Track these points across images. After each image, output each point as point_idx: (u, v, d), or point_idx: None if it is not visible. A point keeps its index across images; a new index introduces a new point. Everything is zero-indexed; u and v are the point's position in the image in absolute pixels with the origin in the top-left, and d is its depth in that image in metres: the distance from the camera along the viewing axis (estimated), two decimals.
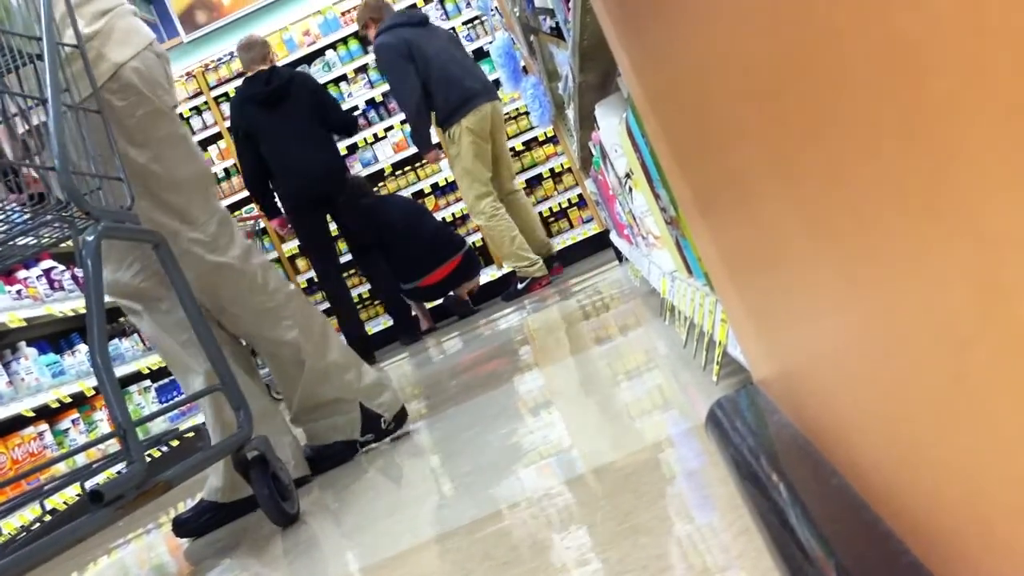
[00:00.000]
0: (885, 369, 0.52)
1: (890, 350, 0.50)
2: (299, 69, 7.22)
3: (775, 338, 0.84)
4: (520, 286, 6.46)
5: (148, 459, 1.79)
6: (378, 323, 7.70)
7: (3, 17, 1.95)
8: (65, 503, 4.04)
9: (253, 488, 2.14)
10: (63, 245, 2.07)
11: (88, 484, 1.76)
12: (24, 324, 4.50)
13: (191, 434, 4.98)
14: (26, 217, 1.93)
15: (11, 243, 1.98)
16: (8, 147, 2.03)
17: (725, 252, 0.91)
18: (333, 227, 6.64)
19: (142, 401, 5.48)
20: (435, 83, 6.09)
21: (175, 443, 4.78)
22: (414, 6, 7.57)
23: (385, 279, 6.60)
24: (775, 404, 0.92)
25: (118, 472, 1.84)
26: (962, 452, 0.44)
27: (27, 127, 2.03)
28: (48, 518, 2.39)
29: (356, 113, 7.74)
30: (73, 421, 4.76)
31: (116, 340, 5.53)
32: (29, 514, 3.81)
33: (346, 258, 7.33)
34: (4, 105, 1.98)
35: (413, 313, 6.88)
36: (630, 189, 2.17)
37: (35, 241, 2.04)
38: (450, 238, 6.71)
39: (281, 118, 5.99)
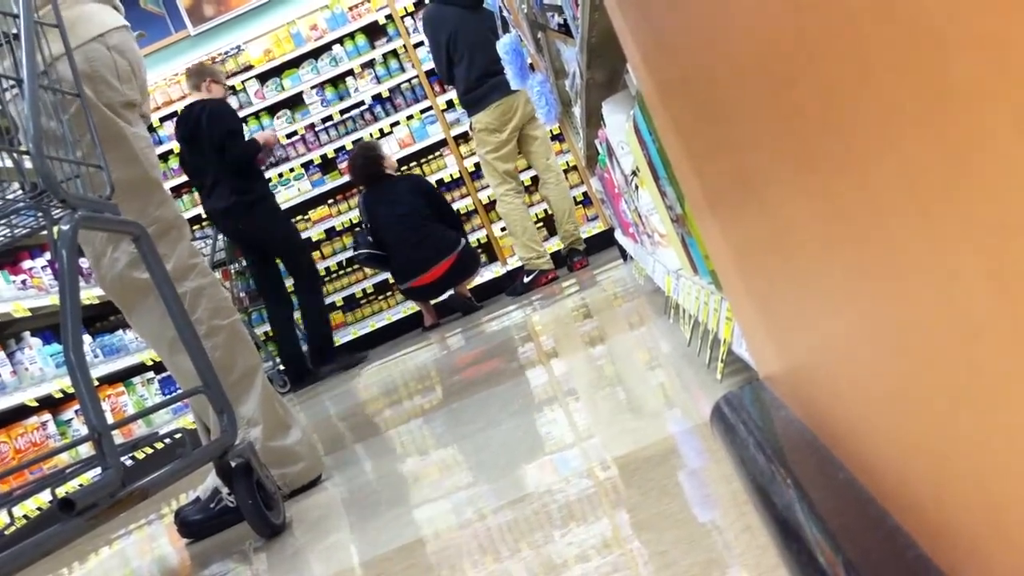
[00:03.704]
0: (893, 363, 0.52)
1: (899, 344, 0.50)
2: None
3: (782, 333, 0.84)
4: (526, 280, 6.47)
5: (131, 461, 1.65)
6: (380, 319, 7.71)
7: None
8: (39, 508, 3.81)
9: (236, 497, 2.04)
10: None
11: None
12: (29, 314, 4.50)
13: (179, 435, 4.75)
14: None
15: None
16: None
17: (734, 246, 0.91)
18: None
19: (145, 393, 5.49)
20: (460, 68, 6.21)
21: (159, 445, 4.36)
22: None
23: (312, 306, 6.63)
24: (781, 400, 0.91)
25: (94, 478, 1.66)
26: (970, 446, 0.44)
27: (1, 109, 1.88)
28: (13, 529, 2.17)
29: (363, 108, 7.78)
30: (76, 411, 4.76)
31: (120, 331, 5.54)
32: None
33: (341, 258, 7.61)
34: None
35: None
36: (636, 187, 2.17)
37: (8, 231, 1.91)
38: (443, 239, 6.60)
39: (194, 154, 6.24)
